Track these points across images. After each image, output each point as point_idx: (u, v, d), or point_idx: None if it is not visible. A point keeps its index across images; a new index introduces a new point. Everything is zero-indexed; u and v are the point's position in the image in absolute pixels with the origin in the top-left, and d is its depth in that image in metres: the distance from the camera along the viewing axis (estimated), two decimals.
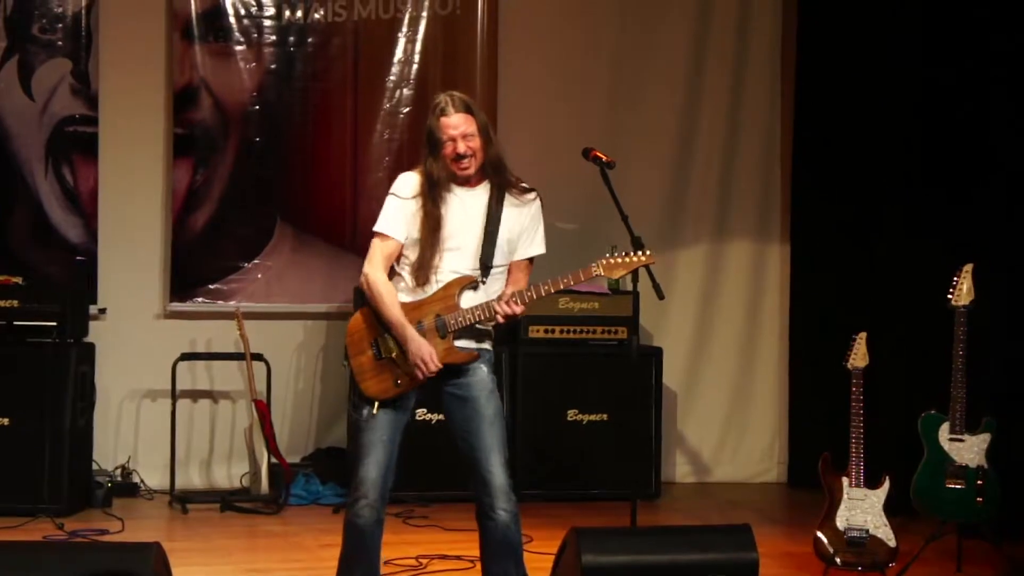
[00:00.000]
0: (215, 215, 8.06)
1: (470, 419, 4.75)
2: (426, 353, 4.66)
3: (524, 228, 4.83)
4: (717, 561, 4.68)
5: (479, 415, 4.74)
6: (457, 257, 4.74)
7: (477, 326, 4.75)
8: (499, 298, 4.71)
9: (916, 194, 7.47)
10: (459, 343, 4.75)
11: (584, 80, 8.46)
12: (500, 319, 4.71)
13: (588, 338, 7.81)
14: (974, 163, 7.14)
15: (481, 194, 4.79)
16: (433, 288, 4.73)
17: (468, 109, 4.73)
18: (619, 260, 4.75)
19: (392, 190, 4.83)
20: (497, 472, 4.70)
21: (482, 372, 4.80)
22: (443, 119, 4.71)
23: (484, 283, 4.76)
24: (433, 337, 4.71)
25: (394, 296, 4.75)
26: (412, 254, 4.77)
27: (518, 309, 4.68)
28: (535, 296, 4.72)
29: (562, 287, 4.73)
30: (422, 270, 4.73)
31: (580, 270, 4.73)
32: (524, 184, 4.86)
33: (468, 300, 4.74)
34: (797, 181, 8.55)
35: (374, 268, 4.78)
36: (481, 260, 4.76)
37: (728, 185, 8.64)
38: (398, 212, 4.78)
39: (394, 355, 4.71)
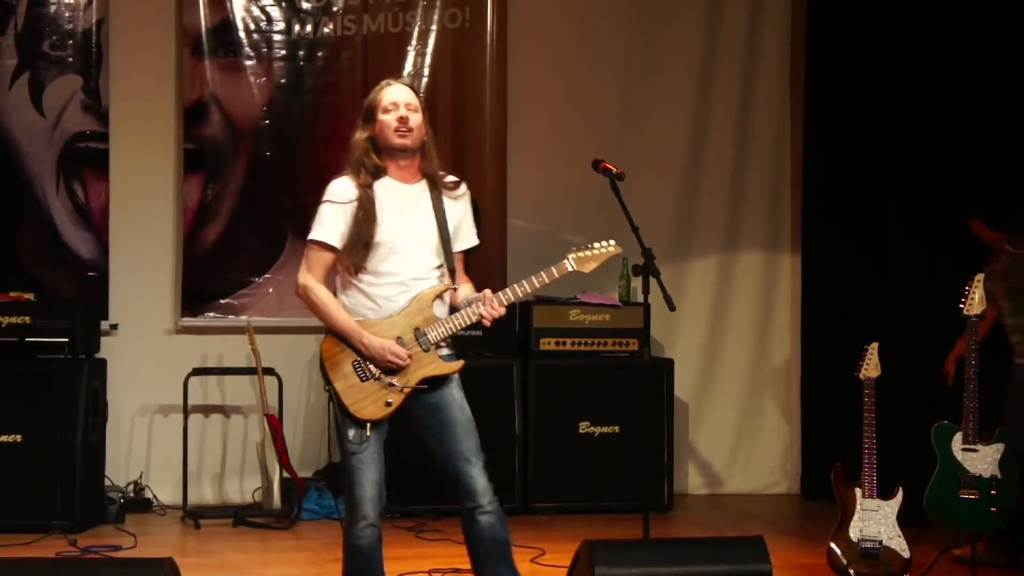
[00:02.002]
0: (226, 230, 8.07)
1: (445, 425, 4.70)
2: (388, 349, 4.60)
3: (461, 220, 4.81)
4: (730, 573, 4.68)
5: (455, 422, 4.70)
6: (410, 263, 4.68)
7: (480, 312, 4.69)
8: (471, 302, 4.67)
9: (928, 203, 7.46)
10: (443, 353, 4.72)
11: (593, 91, 8.46)
12: (487, 323, 4.68)
13: (599, 350, 7.80)
14: (984, 173, 7.13)
15: (421, 190, 4.75)
16: (399, 288, 4.67)
17: (411, 87, 4.74)
18: (588, 253, 4.76)
19: (326, 197, 4.74)
20: (478, 476, 4.67)
21: (453, 380, 4.75)
22: (387, 90, 4.70)
23: (456, 289, 4.76)
24: (416, 350, 4.66)
25: (337, 303, 4.70)
26: (369, 258, 4.66)
27: (502, 311, 4.65)
28: (512, 298, 4.69)
29: (538, 285, 4.70)
30: (372, 273, 4.65)
31: (552, 267, 4.72)
32: (452, 177, 4.83)
33: (440, 310, 4.72)
34: (807, 192, 8.53)
35: (310, 278, 4.73)
36: (446, 263, 4.73)
37: (738, 196, 8.63)
38: (336, 219, 4.70)
39: (379, 375, 4.66)
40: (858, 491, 5.90)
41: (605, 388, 7.72)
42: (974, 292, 5.99)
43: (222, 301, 8.06)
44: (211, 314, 8.05)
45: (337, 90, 8.20)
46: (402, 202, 4.70)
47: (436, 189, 4.75)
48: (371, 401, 4.64)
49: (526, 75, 8.38)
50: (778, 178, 8.69)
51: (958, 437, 5.98)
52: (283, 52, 8.12)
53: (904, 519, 5.90)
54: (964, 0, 7.26)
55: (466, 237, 4.84)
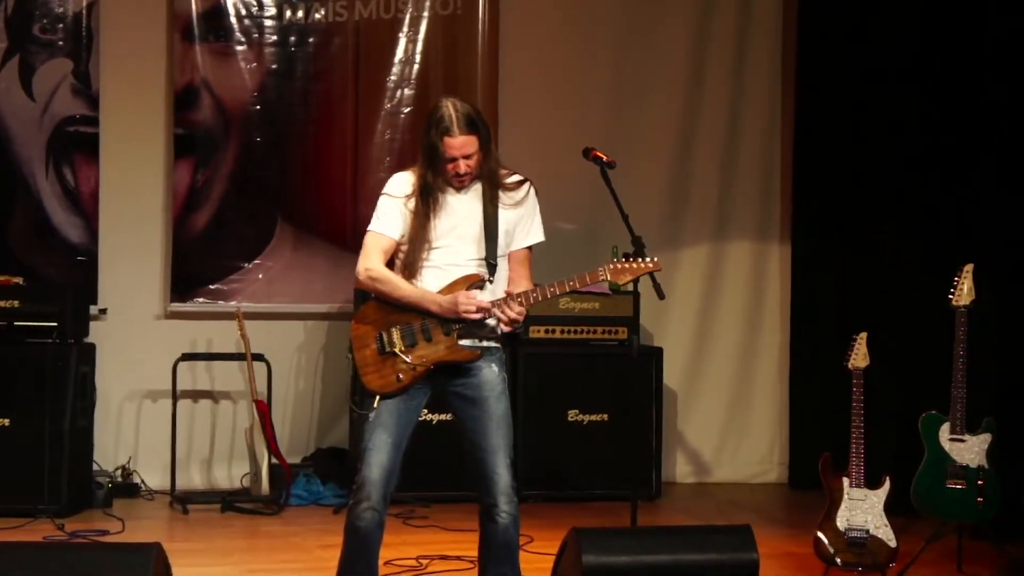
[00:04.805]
0: (216, 215, 8.06)
1: (478, 420, 4.72)
2: (461, 299, 4.62)
3: (520, 219, 4.81)
4: (718, 561, 4.68)
5: (487, 416, 4.72)
6: (448, 253, 4.73)
7: (486, 323, 4.72)
8: (503, 299, 4.69)
9: (917, 194, 7.46)
10: (464, 341, 4.73)
11: (585, 79, 8.46)
12: (504, 326, 4.69)
13: (589, 338, 7.81)
14: (976, 163, 7.14)
15: (474, 192, 4.78)
16: (437, 274, 4.71)
17: (471, 126, 4.67)
18: (625, 265, 4.74)
19: (385, 190, 4.83)
20: (502, 474, 4.69)
21: (491, 372, 4.76)
22: (447, 139, 4.66)
23: (491, 282, 4.75)
24: (438, 334, 4.70)
25: (400, 278, 4.73)
26: (413, 250, 4.75)
27: (518, 312, 4.66)
28: (540, 298, 4.70)
29: (568, 289, 4.71)
30: (409, 267, 4.72)
31: (587, 273, 4.71)
32: (514, 177, 4.83)
33: None
34: (798, 181, 8.54)
35: (372, 260, 4.76)
36: (486, 258, 4.75)
37: (729, 185, 8.64)
38: (391, 210, 4.78)
39: (397, 349, 4.69)
40: (845, 480, 5.90)
41: (594, 376, 7.72)
42: (963, 283, 6.00)
43: (212, 286, 8.05)
44: (201, 299, 8.04)
45: (328, 76, 8.19)
46: (453, 202, 4.74)
47: (493, 188, 4.77)
48: (382, 374, 4.69)
49: (517, 63, 8.37)
50: (768, 167, 8.69)
51: (946, 427, 5.98)
52: (274, 38, 8.10)
53: (891, 508, 5.92)
54: None
55: (523, 236, 4.83)
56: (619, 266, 4.74)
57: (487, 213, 4.75)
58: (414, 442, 4.79)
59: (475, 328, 4.71)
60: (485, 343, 4.77)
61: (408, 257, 4.73)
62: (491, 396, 4.74)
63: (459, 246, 4.73)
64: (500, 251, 4.77)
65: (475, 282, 4.72)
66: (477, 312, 4.64)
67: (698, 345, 8.63)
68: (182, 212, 8.02)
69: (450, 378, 4.76)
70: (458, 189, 4.75)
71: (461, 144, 4.66)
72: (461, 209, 4.75)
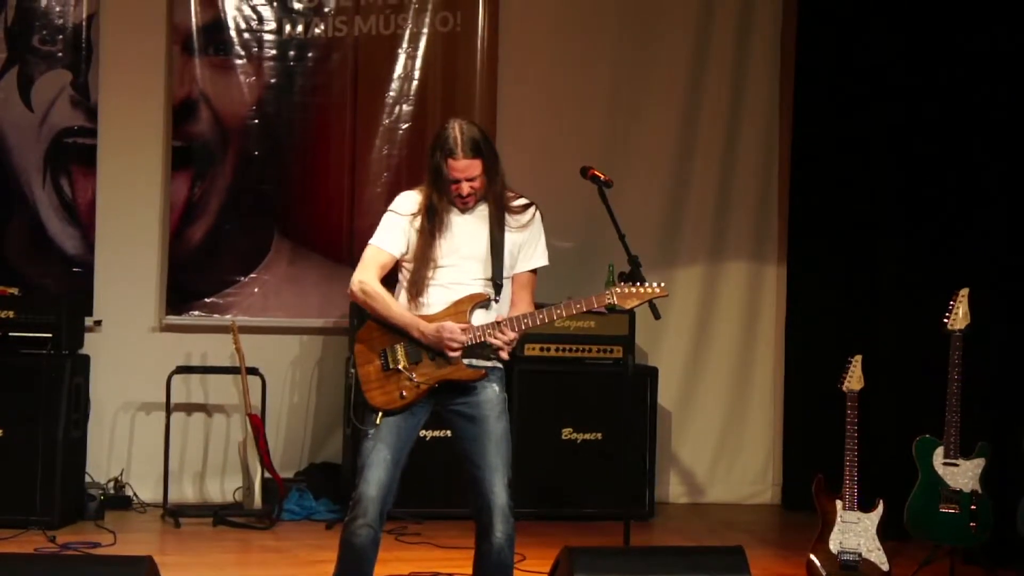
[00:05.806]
0: (212, 228, 8.06)
1: (477, 439, 4.73)
2: (446, 331, 4.64)
3: (524, 242, 4.83)
4: None
5: (487, 435, 4.73)
6: (454, 273, 4.74)
7: (488, 343, 4.73)
8: (494, 324, 4.70)
9: (913, 217, 7.46)
10: (467, 360, 4.73)
11: (583, 98, 8.46)
12: (502, 354, 4.69)
13: (584, 356, 7.80)
14: (972, 187, 7.14)
15: (480, 213, 4.80)
16: (441, 291, 4.73)
17: (476, 150, 4.68)
18: (633, 290, 4.72)
19: (391, 207, 4.85)
20: (499, 493, 4.70)
21: (492, 391, 4.78)
22: (451, 161, 4.68)
23: (497, 301, 4.76)
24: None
25: (392, 297, 4.75)
26: (409, 270, 4.78)
27: (512, 335, 4.67)
28: (546, 320, 4.71)
29: (574, 312, 4.72)
30: (415, 286, 4.74)
31: (593, 296, 4.71)
32: (520, 201, 4.85)
33: (479, 318, 4.73)
34: (794, 202, 8.54)
35: (367, 274, 4.78)
36: (492, 278, 4.76)
37: (725, 205, 8.64)
38: (394, 227, 4.80)
39: (401, 366, 4.70)
40: (839, 503, 5.91)
41: (589, 395, 7.71)
42: (958, 307, 6.01)
43: (207, 300, 8.04)
44: (196, 312, 8.04)
45: (327, 91, 8.20)
46: (458, 222, 4.76)
47: (499, 211, 4.78)
48: (385, 390, 4.70)
49: (516, 79, 8.37)
50: (765, 188, 8.69)
51: (939, 451, 5.99)
52: (273, 52, 8.12)
53: (884, 532, 5.92)
54: (963, 5, 7.23)
55: (527, 259, 4.84)
56: (626, 291, 4.73)
57: (493, 234, 4.77)
58: (408, 459, 4.78)
59: (478, 348, 4.71)
60: (488, 363, 4.77)
61: (414, 276, 4.75)
62: (491, 415, 4.74)
63: (464, 266, 4.75)
64: (505, 272, 4.79)
65: (480, 301, 4.74)
66: (457, 349, 4.65)
67: (693, 365, 8.61)
68: (179, 225, 8.02)
69: (451, 396, 4.76)
70: (462, 210, 4.76)
71: (464, 167, 4.68)
72: (466, 230, 4.76)
